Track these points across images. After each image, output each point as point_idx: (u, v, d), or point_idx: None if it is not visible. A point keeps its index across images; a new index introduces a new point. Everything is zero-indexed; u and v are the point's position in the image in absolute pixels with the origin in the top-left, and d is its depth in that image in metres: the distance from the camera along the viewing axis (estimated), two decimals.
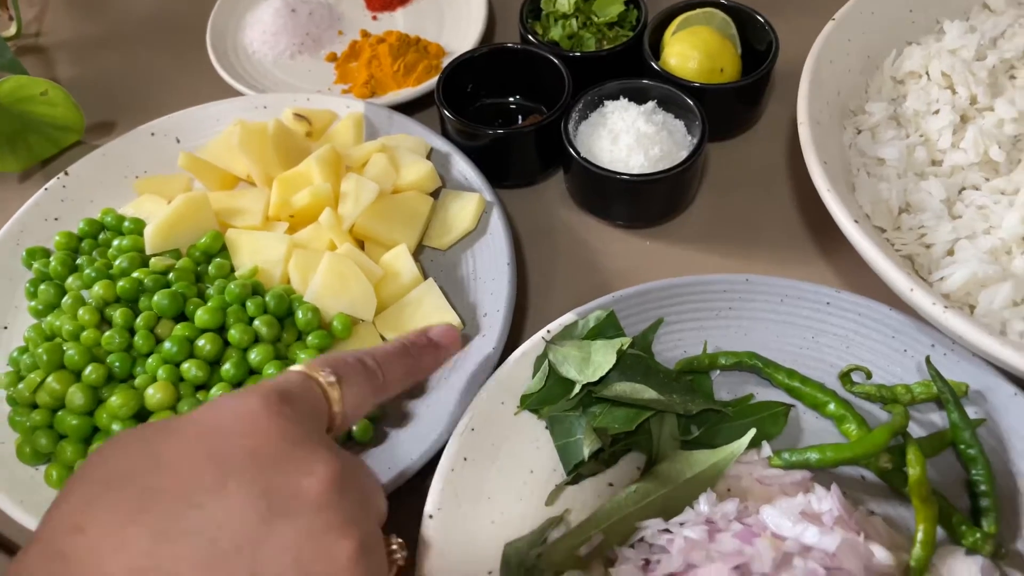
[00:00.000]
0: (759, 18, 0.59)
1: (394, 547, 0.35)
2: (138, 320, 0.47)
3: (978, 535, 0.41)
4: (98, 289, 0.48)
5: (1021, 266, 0.46)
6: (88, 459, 0.30)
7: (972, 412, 0.44)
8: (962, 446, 0.43)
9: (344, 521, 0.30)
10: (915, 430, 0.45)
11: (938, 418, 0.45)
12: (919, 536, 0.40)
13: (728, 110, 0.59)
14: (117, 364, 0.46)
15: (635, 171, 0.53)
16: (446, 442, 0.44)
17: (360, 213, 0.52)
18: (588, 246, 0.57)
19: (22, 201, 0.57)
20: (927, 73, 0.55)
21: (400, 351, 0.40)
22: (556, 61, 0.58)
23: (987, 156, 0.50)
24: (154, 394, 0.44)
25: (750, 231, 0.57)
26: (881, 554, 0.40)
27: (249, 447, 0.29)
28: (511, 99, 0.63)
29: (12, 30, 0.70)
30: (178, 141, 0.60)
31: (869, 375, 0.46)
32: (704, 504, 0.41)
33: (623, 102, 0.57)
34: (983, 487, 0.42)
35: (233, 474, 0.29)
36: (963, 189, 0.51)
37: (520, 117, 0.62)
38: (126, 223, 0.54)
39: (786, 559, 0.38)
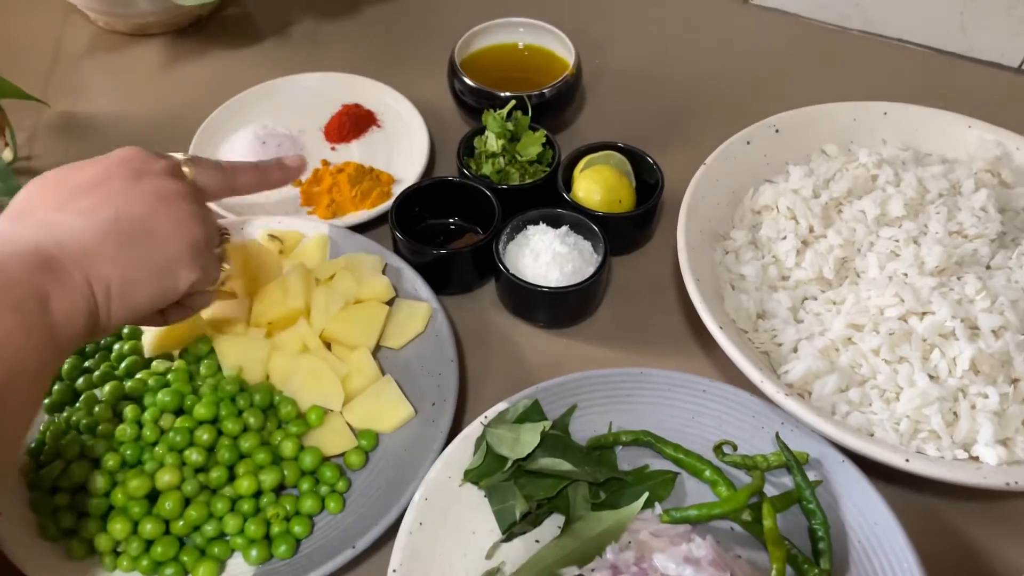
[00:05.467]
0: (649, 159, 0.74)
1: (226, 266, 0.58)
2: (144, 415, 0.57)
3: (816, 571, 0.53)
4: (108, 389, 0.58)
5: (845, 361, 0.60)
6: (30, 181, 0.51)
7: (812, 475, 0.57)
8: (804, 502, 0.56)
9: (182, 182, 0.53)
10: (770, 490, 0.58)
11: (787, 480, 0.58)
12: (772, 573, 0.53)
13: (626, 233, 0.73)
14: (129, 452, 0.55)
15: (553, 284, 0.66)
16: (405, 510, 0.54)
17: (328, 321, 0.63)
18: (515, 343, 0.69)
19: None
20: (777, 207, 0.70)
21: (251, 165, 0.61)
22: (488, 192, 0.71)
23: (821, 274, 0.65)
24: (162, 476, 0.54)
25: (644, 331, 0.70)
26: None
27: (123, 157, 0.52)
28: (451, 220, 0.75)
29: (8, 155, 0.80)
30: None
31: (735, 447, 0.59)
32: (610, 553, 0.53)
33: (542, 227, 0.70)
34: (820, 534, 0.54)
35: (113, 166, 0.51)
36: (805, 299, 0.66)
37: (458, 235, 0.74)
38: (125, 330, 0.64)
39: None
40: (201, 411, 0.57)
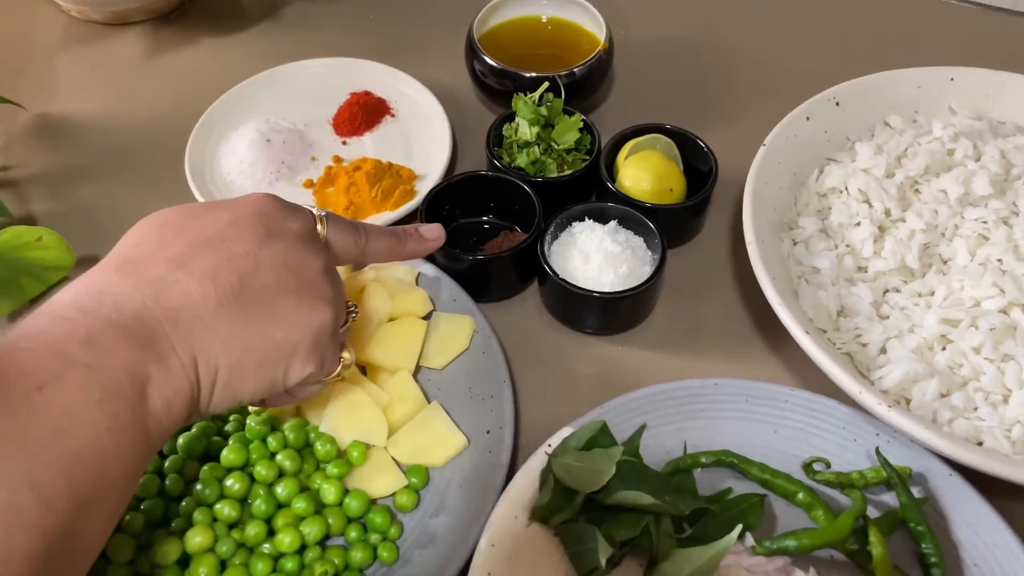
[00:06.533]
0: (701, 143, 0.67)
1: (345, 355, 0.49)
2: (166, 463, 0.50)
3: None
4: None
5: (942, 361, 0.54)
6: (144, 218, 0.43)
7: (916, 492, 0.51)
8: (912, 523, 0.50)
9: (316, 250, 0.45)
10: (870, 510, 0.52)
11: (888, 498, 0.53)
12: None
13: (677, 224, 0.67)
14: (152, 509, 0.48)
15: (607, 288, 0.60)
16: (468, 557, 0.48)
17: (364, 344, 0.56)
18: (564, 353, 0.63)
19: None
20: (846, 189, 0.64)
21: (388, 231, 0.53)
22: (525, 187, 0.64)
23: (904, 263, 0.59)
24: (193, 537, 0.47)
25: (704, 332, 0.64)
26: None
27: (255, 209, 0.44)
28: (484, 218, 0.68)
29: None
30: None
31: (828, 465, 0.54)
32: None
33: (589, 223, 0.63)
34: (933, 559, 0.49)
35: (244, 219, 0.43)
36: (886, 291, 0.59)
37: (492, 235, 0.67)
38: None
39: None
40: (230, 457, 0.50)
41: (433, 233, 0.57)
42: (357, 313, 0.51)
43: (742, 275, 0.67)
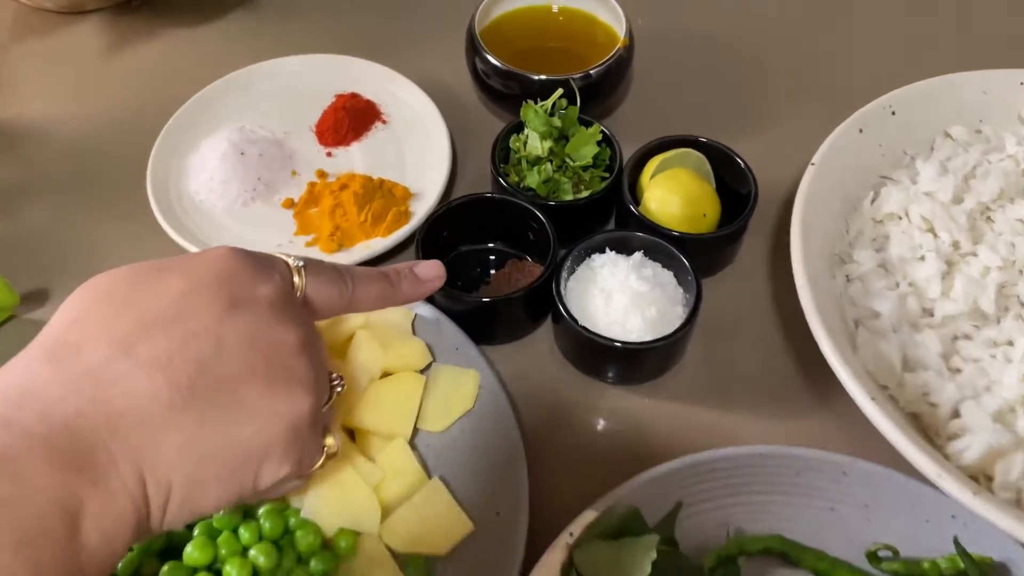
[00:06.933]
0: (739, 161, 0.58)
1: (329, 440, 0.40)
2: (119, 564, 0.42)
3: None
4: None
5: None
6: (83, 285, 0.35)
7: None
8: None
9: (291, 319, 0.37)
10: None
11: None
12: None
13: (712, 254, 0.58)
14: None
15: (633, 335, 0.51)
16: None
17: (352, 406, 0.48)
18: (584, 407, 0.55)
19: None
20: (907, 215, 0.56)
21: (378, 275, 0.44)
22: (537, 212, 0.56)
23: (977, 306, 0.51)
24: None
25: (742, 379, 0.56)
26: None
27: (217, 269, 0.36)
28: (490, 245, 0.60)
29: None
30: None
31: (896, 552, 0.46)
32: None
33: (610, 255, 0.55)
34: None
35: (203, 286, 0.35)
36: (956, 338, 0.52)
37: (499, 264, 0.59)
38: None
39: None
40: (194, 554, 0.42)
41: (431, 272, 0.48)
42: (343, 386, 0.42)
43: (783, 308, 0.59)
